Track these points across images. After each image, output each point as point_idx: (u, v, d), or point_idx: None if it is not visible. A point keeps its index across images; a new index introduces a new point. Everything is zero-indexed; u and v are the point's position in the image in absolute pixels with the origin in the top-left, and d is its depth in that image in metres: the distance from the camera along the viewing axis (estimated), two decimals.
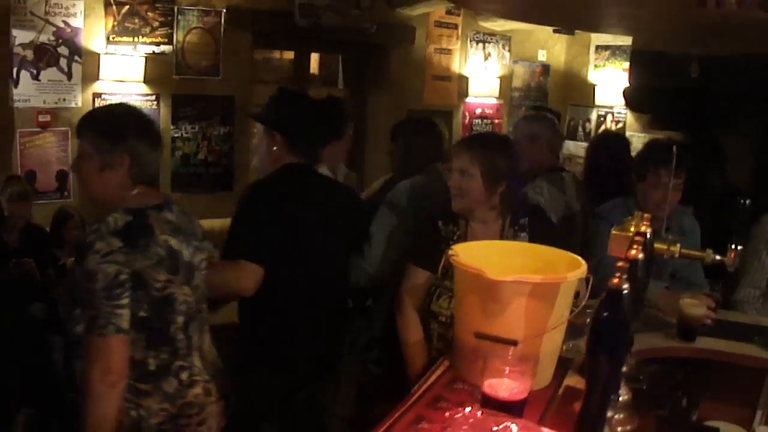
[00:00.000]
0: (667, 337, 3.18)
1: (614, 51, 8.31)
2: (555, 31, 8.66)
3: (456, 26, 7.92)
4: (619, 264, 1.81)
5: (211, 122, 6.66)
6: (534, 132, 4.32)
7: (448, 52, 7.91)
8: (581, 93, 8.76)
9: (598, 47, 8.57)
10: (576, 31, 8.65)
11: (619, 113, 8.20)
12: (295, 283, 3.26)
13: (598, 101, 8.51)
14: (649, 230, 2.17)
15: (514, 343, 2.08)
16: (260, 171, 3.48)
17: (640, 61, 6.43)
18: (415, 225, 3.58)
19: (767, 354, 3.05)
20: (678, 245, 2.47)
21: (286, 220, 3.22)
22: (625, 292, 1.71)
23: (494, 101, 8.40)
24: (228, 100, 6.69)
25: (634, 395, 2.37)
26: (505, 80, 8.49)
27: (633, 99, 6.56)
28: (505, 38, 8.40)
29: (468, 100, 8.16)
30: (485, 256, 2.43)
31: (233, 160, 6.84)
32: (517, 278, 2.13)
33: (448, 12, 7.79)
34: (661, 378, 3.12)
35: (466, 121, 8.14)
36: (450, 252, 2.32)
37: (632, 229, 2.34)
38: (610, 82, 8.33)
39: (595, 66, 8.62)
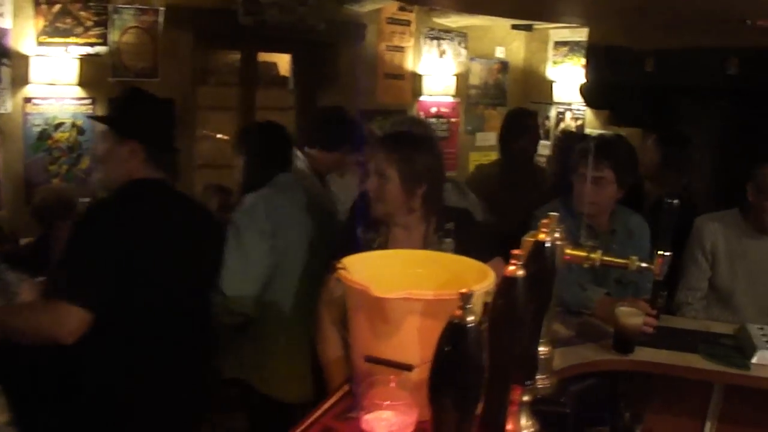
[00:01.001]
0: (602, 348, 2.96)
1: (573, 47, 8.12)
2: (513, 28, 8.48)
3: (409, 23, 7.68)
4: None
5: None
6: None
7: (401, 49, 7.66)
8: (540, 90, 8.56)
9: (556, 43, 8.39)
10: (534, 27, 8.48)
11: (578, 110, 8.01)
12: (149, 325, 2.85)
13: (556, 98, 8.33)
14: (553, 237, 1.91)
15: (409, 368, 1.83)
16: (108, 187, 3.05)
17: (595, 56, 6.23)
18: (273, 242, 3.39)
19: (711, 365, 2.86)
20: (599, 252, 2.24)
21: (134, 249, 2.78)
22: (471, 325, 1.42)
23: (450, 99, 8.15)
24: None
25: (559, 420, 2.15)
26: (462, 78, 8.24)
27: (589, 95, 6.35)
28: (461, 35, 8.16)
29: (422, 98, 7.90)
30: (386, 267, 2.18)
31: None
32: (406, 295, 1.85)
33: (401, 8, 7.54)
34: (600, 392, 2.91)
35: None
36: (338, 265, 2.04)
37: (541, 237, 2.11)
38: (568, 79, 8.14)
39: (554, 62, 8.43)
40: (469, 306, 1.42)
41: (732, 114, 5.91)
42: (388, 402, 1.69)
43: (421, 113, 7.87)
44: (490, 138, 8.32)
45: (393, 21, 7.53)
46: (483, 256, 2.24)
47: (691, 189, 4.64)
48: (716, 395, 3.01)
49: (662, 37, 5.54)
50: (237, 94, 7.10)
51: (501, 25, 8.35)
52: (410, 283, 1.96)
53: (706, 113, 6.09)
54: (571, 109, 8.10)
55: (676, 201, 2.27)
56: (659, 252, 2.29)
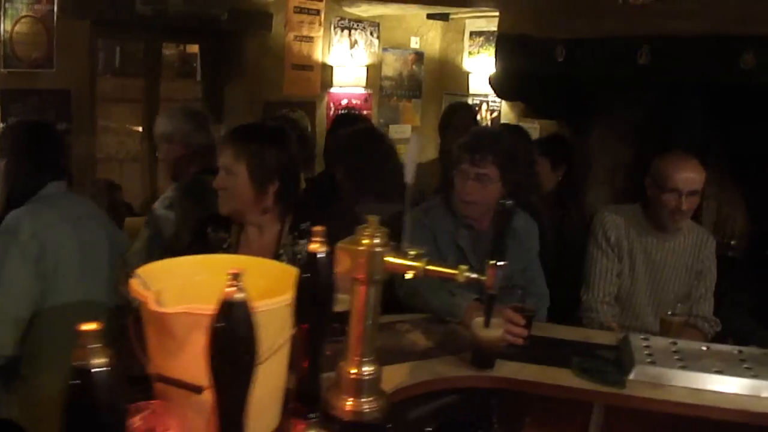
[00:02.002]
0: (461, 362, 2.68)
1: (488, 37, 7.91)
2: (429, 17, 8.27)
3: (318, 12, 7.40)
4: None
5: (45, 119, 5.97)
6: None
7: (310, 39, 7.38)
8: (457, 81, 8.36)
9: (472, 33, 8.20)
10: (451, 16, 8.28)
11: (494, 102, 7.82)
12: None
13: (472, 89, 8.12)
14: (372, 243, 1.72)
15: (198, 389, 1.60)
16: None
17: (505, 45, 6.04)
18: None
19: (583, 382, 2.60)
20: (423, 260, 1.97)
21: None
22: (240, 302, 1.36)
23: (362, 91, 7.91)
24: (64, 95, 6.01)
25: None
26: (374, 69, 8.01)
27: (499, 86, 6.15)
28: (373, 25, 7.92)
29: (332, 90, 7.63)
30: (197, 275, 1.97)
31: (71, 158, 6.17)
32: (187, 309, 1.63)
33: None
34: (467, 409, 2.68)
35: (331, 112, 7.62)
36: (130, 273, 1.78)
37: (364, 242, 1.89)
38: (484, 70, 7.92)
39: (470, 53, 8.24)
40: (239, 284, 1.38)
41: (648, 105, 5.81)
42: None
43: (332, 105, 7.61)
44: (405, 130, 8.14)
45: (301, 10, 7.24)
46: None
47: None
48: (597, 413, 2.71)
49: (573, 25, 5.37)
50: (141, 85, 6.78)
51: (416, 14, 8.14)
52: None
53: (622, 104, 5.98)
54: (487, 101, 7.91)
55: (509, 202, 2.01)
56: (491, 261, 2.01)
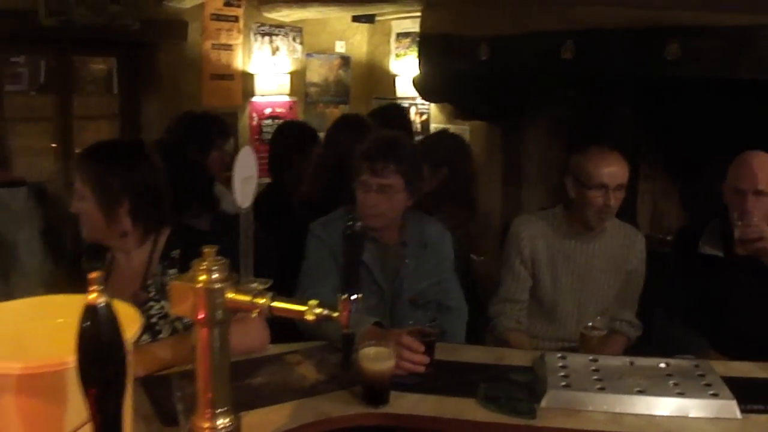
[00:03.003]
0: (352, 398, 2.37)
1: (415, 38, 7.63)
2: (354, 20, 8.02)
3: (236, 19, 7.11)
4: None
5: None
6: None
7: (229, 47, 7.10)
8: (385, 85, 8.11)
9: (399, 35, 7.96)
10: (377, 18, 8.06)
11: (423, 105, 7.58)
12: None
13: (400, 93, 7.87)
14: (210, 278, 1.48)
15: None
16: None
17: (428, 45, 5.83)
18: None
19: (490, 414, 2.29)
20: (267, 296, 1.67)
21: None
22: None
23: (287, 99, 7.63)
24: None
25: None
26: (298, 75, 7.73)
27: (423, 87, 5.95)
28: (296, 30, 7.65)
29: (255, 99, 7.34)
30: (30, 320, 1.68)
31: None
32: None
33: (227, 3, 6.98)
34: None
35: (254, 122, 7.35)
36: None
37: (201, 278, 1.64)
38: (411, 72, 7.65)
39: (397, 55, 8.00)
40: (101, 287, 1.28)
41: (578, 101, 5.65)
42: None
43: (254, 115, 7.34)
44: None
45: (218, 17, 6.96)
46: None
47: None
48: None
49: (496, 22, 5.18)
50: (52, 102, 6.44)
51: (340, 17, 7.89)
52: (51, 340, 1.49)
53: (552, 102, 5.82)
54: (415, 104, 7.67)
55: (358, 224, 1.73)
56: (344, 296, 1.70)
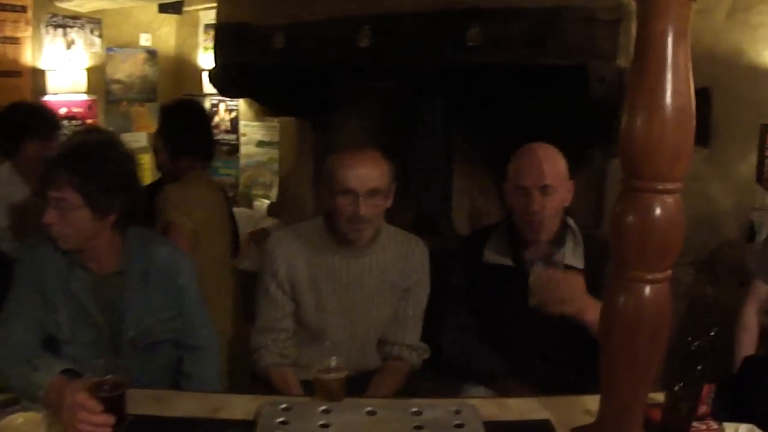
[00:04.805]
0: None
1: None
2: (161, 11, 7.43)
3: (24, 9, 6.39)
4: None
5: None
6: None
7: (16, 41, 6.37)
8: (195, 80, 7.53)
9: (207, 26, 7.39)
10: (185, 9, 7.49)
11: (233, 102, 7.09)
12: None
13: (208, 88, 7.30)
14: None
15: None
16: None
17: (224, 36, 5.33)
18: None
19: None
20: None
21: None
22: None
23: (84, 97, 6.94)
24: None
25: None
26: (97, 71, 7.06)
27: (220, 82, 5.41)
28: (94, 21, 6.99)
29: (47, 98, 6.57)
30: None
31: None
32: None
33: None
34: None
35: None
36: None
37: None
38: None
39: (206, 48, 7.43)
40: None
41: (389, 95, 5.29)
42: None
43: None
44: (140, 139, 7.26)
45: (3, 7, 6.23)
46: None
47: None
48: None
49: (292, 9, 4.74)
50: None
51: (145, 7, 7.30)
52: None
53: (364, 94, 5.44)
54: (224, 101, 7.15)
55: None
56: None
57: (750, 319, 3.35)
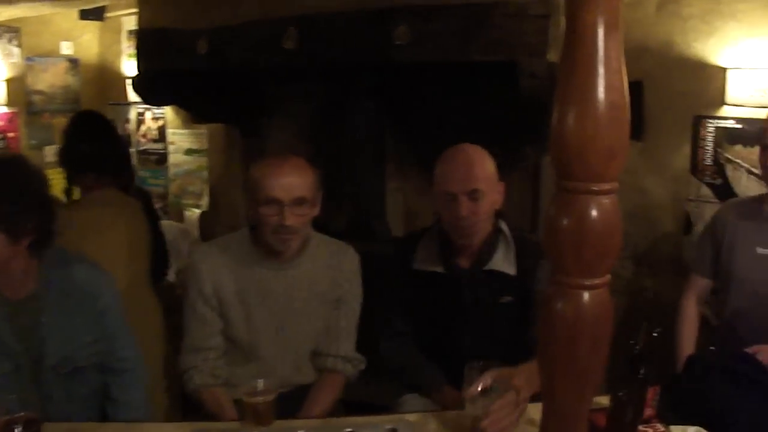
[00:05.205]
0: None
1: None
2: (82, 18, 7.18)
3: None
4: None
5: None
6: None
7: None
8: (119, 89, 7.31)
9: (130, 33, 7.18)
10: (106, 15, 7.27)
11: (159, 109, 6.90)
12: None
13: (134, 97, 7.04)
14: None
15: None
16: None
17: (145, 42, 5.20)
18: None
19: None
20: None
21: None
22: None
23: (5, 110, 6.69)
24: None
25: None
26: (17, 82, 6.79)
27: (143, 89, 5.28)
28: (12, 30, 6.73)
29: None
30: None
31: None
32: None
33: None
34: None
35: None
36: None
37: None
38: None
39: (129, 55, 7.21)
40: None
41: (319, 97, 5.20)
42: None
43: None
44: None
45: None
46: None
47: None
48: None
49: (215, 12, 4.63)
50: None
51: (65, 15, 7.05)
52: None
53: (292, 99, 5.33)
54: (151, 109, 6.96)
55: None
56: None
57: (690, 310, 3.31)
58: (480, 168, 2.64)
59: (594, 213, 1.53)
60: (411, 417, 2.19)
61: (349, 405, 2.88)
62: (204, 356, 2.72)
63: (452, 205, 2.63)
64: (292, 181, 2.60)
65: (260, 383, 2.20)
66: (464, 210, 2.60)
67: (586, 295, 1.58)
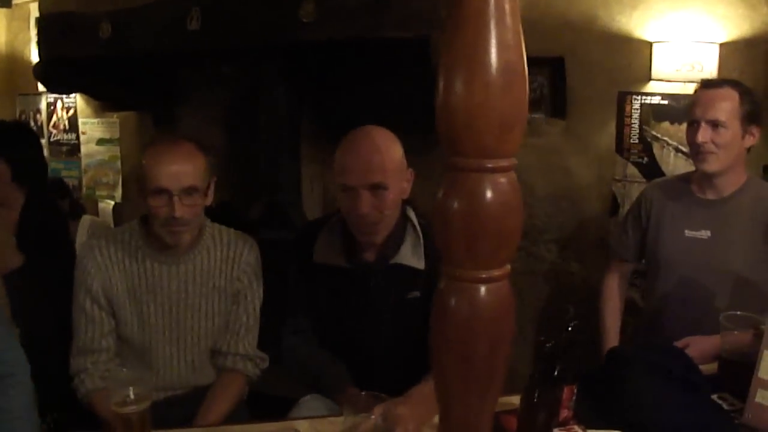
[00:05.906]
0: None
1: None
2: None
3: None
4: None
5: None
6: None
7: None
8: (29, 78, 6.96)
9: (38, 20, 6.88)
10: (14, 1, 6.99)
11: (69, 98, 6.61)
12: None
13: (43, 86, 6.83)
14: None
15: None
16: None
17: (47, 28, 4.97)
18: None
19: None
20: None
21: None
22: None
23: None
24: None
25: None
26: None
27: (46, 77, 5.07)
28: None
29: None
30: None
31: None
32: None
33: None
34: None
35: None
36: None
37: None
38: None
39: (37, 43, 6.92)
40: None
41: (232, 81, 5.00)
42: None
43: None
44: None
45: None
46: None
47: None
48: None
49: None
50: None
51: None
52: None
53: (202, 83, 5.12)
54: (61, 98, 6.67)
55: None
56: None
57: (612, 291, 3.19)
58: (384, 156, 2.32)
59: (489, 194, 1.30)
60: (302, 424, 1.99)
61: (258, 397, 2.79)
62: (94, 359, 2.53)
63: (352, 200, 2.33)
64: (180, 170, 2.38)
65: (130, 390, 1.96)
66: (365, 206, 2.31)
67: (482, 290, 1.36)
